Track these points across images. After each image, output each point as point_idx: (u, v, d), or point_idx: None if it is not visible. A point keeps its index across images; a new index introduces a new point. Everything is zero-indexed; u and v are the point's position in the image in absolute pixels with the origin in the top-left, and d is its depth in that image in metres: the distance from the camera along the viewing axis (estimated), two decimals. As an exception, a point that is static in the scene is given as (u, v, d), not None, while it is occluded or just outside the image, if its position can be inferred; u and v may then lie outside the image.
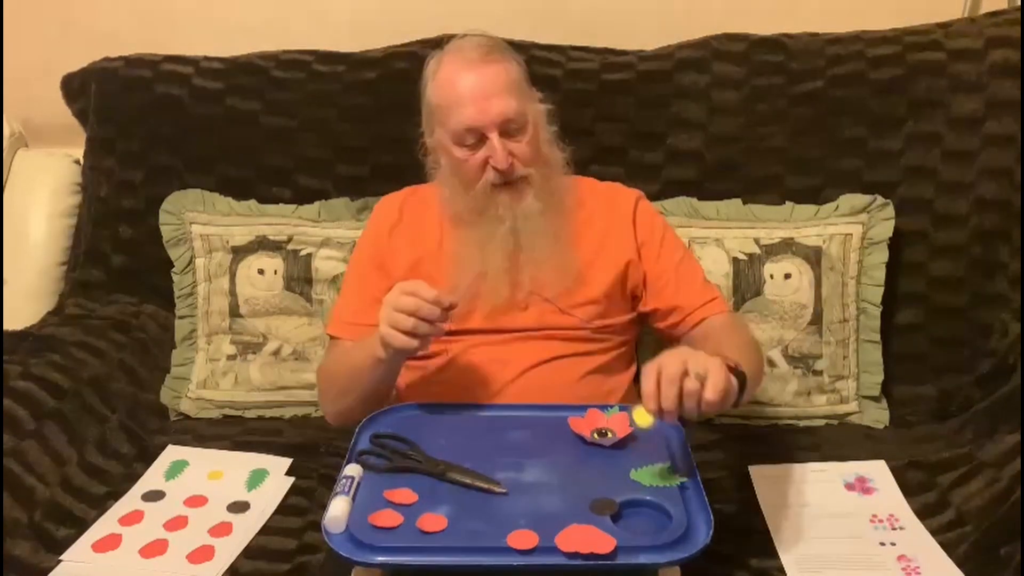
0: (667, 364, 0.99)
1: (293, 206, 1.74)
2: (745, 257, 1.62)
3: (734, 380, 1.05)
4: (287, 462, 1.46)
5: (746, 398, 1.11)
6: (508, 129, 1.28)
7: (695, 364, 0.99)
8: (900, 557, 1.20)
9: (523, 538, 0.95)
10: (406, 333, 1.13)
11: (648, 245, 1.40)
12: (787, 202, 1.67)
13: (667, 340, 1.42)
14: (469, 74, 1.28)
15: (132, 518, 1.32)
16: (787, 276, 1.61)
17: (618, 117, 1.72)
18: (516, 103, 1.29)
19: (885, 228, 1.61)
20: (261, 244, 1.70)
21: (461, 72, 1.29)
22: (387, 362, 1.22)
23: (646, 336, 1.57)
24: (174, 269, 1.73)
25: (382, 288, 1.36)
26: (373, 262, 1.42)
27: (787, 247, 1.62)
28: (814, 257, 1.61)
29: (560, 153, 1.39)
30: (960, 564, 1.18)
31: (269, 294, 1.68)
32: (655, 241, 1.40)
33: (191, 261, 1.72)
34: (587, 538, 0.94)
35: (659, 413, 1.00)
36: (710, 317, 1.35)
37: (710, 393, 0.98)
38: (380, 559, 0.94)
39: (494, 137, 1.27)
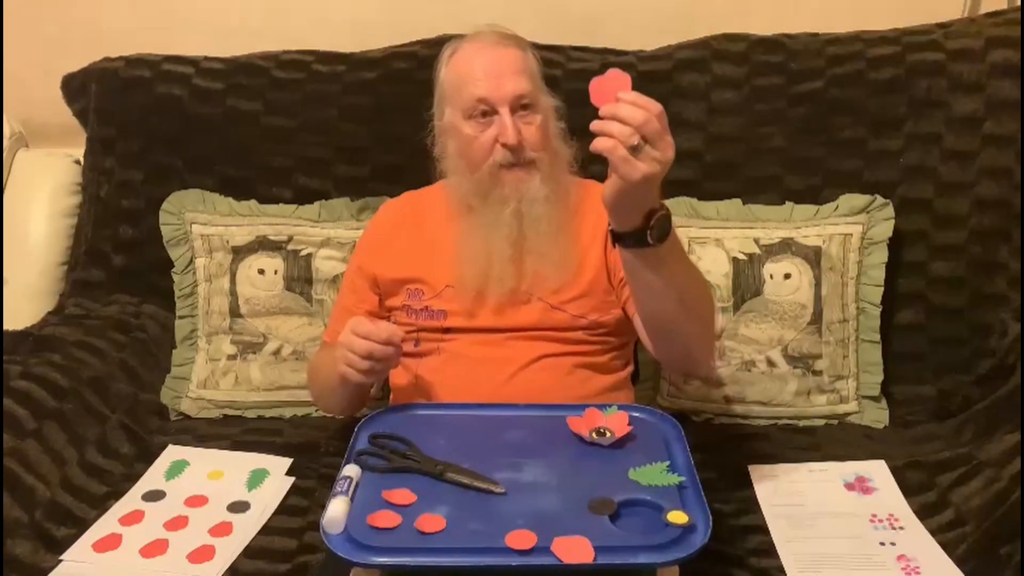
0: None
1: (293, 206, 1.74)
2: (745, 257, 1.62)
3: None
4: (287, 462, 1.46)
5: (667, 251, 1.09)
6: (519, 107, 1.30)
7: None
8: (900, 557, 1.20)
9: (522, 538, 0.95)
10: (362, 372, 1.21)
11: None
12: (787, 202, 1.67)
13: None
14: (485, 54, 1.32)
15: (132, 518, 1.32)
16: (787, 276, 1.61)
17: (618, 117, 1.72)
18: (529, 84, 1.31)
19: (885, 228, 1.61)
20: (261, 244, 1.70)
21: (478, 52, 1.32)
22: (353, 385, 1.28)
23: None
24: (174, 269, 1.73)
25: (367, 299, 1.44)
26: (361, 272, 1.45)
27: (787, 247, 1.62)
28: (814, 257, 1.61)
29: (568, 149, 1.39)
30: (960, 564, 1.17)
31: (269, 294, 1.68)
32: None
33: (191, 261, 1.72)
34: (574, 549, 0.94)
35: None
36: None
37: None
38: (379, 560, 0.94)
39: (504, 112, 1.29)
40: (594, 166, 1.67)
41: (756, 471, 1.39)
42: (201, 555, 1.24)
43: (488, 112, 1.30)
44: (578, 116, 1.54)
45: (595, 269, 1.36)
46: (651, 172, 1.00)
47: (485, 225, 1.33)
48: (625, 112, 1.01)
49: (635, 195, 1.03)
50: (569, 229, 1.36)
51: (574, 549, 0.93)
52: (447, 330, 1.36)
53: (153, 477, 1.43)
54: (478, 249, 1.33)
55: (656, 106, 1.01)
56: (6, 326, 1.71)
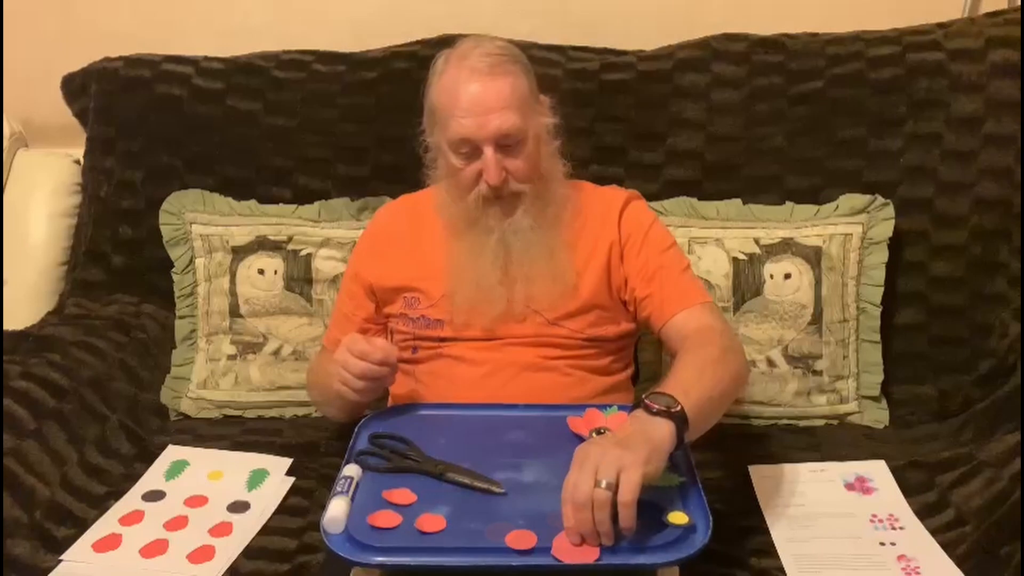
0: (576, 490, 0.93)
1: (293, 206, 1.74)
2: (745, 257, 1.62)
3: (669, 428, 1.02)
4: (287, 462, 1.46)
5: (695, 433, 1.07)
6: (505, 144, 1.27)
7: (605, 470, 0.93)
8: (900, 557, 1.20)
9: (522, 538, 0.95)
10: (357, 391, 1.22)
11: (631, 241, 1.38)
12: (787, 202, 1.67)
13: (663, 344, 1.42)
14: (472, 85, 1.26)
15: (132, 518, 1.32)
16: (787, 276, 1.61)
17: (618, 117, 1.72)
18: (516, 119, 1.27)
19: (885, 228, 1.61)
20: (261, 244, 1.70)
21: (465, 81, 1.26)
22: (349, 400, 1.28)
23: (646, 335, 1.57)
24: (174, 269, 1.73)
25: (363, 306, 1.44)
26: (357, 280, 1.45)
27: (787, 247, 1.62)
28: (814, 257, 1.61)
29: (561, 167, 1.38)
30: (960, 564, 1.17)
31: (269, 294, 1.68)
32: (639, 236, 1.38)
33: (191, 261, 1.72)
34: (575, 549, 0.94)
35: (583, 541, 0.94)
36: (684, 311, 1.31)
37: (624, 495, 0.92)
38: (379, 559, 0.94)
39: (489, 152, 1.26)
40: (593, 165, 1.69)
41: (756, 471, 1.39)
42: (201, 555, 1.24)
43: (473, 150, 1.28)
44: (578, 116, 1.55)
45: (594, 286, 1.35)
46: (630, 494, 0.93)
47: (472, 251, 1.33)
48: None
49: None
50: (563, 248, 1.35)
51: (575, 549, 0.93)
52: (443, 339, 1.36)
53: (153, 477, 1.42)
54: (467, 271, 1.33)
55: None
56: (6, 326, 1.70)
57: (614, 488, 0.92)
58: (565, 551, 0.93)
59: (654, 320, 1.35)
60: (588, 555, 0.93)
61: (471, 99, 1.26)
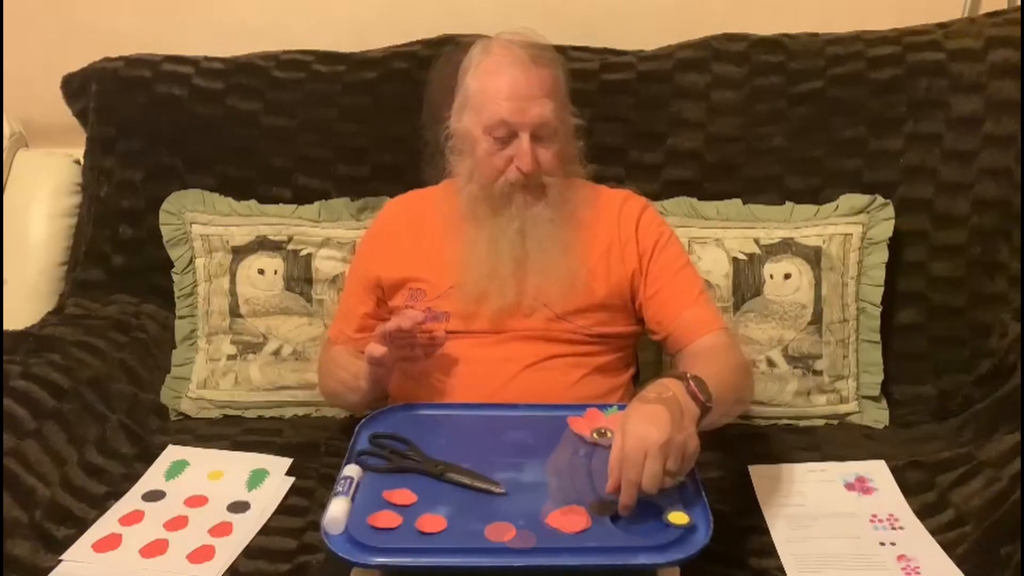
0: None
1: (293, 206, 1.74)
2: (745, 257, 1.62)
3: (693, 406, 1.04)
4: (287, 462, 1.46)
5: (713, 417, 1.09)
6: (540, 134, 1.29)
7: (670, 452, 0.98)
8: (900, 557, 1.20)
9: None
10: (381, 359, 1.26)
11: (630, 243, 1.39)
12: (787, 202, 1.67)
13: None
14: (515, 71, 1.29)
15: (132, 518, 1.32)
16: (787, 276, 1.61)
17: (618, 117, 1.72)
18: (555, 109, 1.30)
19: (885, 228, 1.61)
20: (261, 244, 1.70)
21: (509, 66, 1.30)
22: (368, 388, 1.31)
23: (646, 335, 1.57)
24: (174, 269, 1.73)
25: (365, 301, 1.44)
26: (358, 275, 1.46)
27: (787, 247, 1.62)
28: (814, 257, 1.61)
29: (582, 169, 1.40)
30: (960, 564, 1.17)
31: (269, 294, 1.68)
32: (635, 237, 1.39)
33: (191, 261, 1.72)
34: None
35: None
36: (686, 311, 1.34)
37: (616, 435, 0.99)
38: (379, 560, 0.94)
39: (524, 138, 1.28)
40: (593, 165, 1.68)
41: (756, 471, 1.39)
42: (201, 555, 1.24)
43: (508, 134, 1.29)
44: (577, 116, 1.54)
45: (605, 286, 1.36)
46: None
47: (489, 239, 1.34)
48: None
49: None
50: (577, 247, 1.35)
51: (565, 518, 0.96)
52: (452, 332, 1.35)
53: (153, 477, 1.42)
54: (482, 260, 1.33)
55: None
56: (6, 326, 1.70)
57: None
58: (555, 519, 0.96)
59: (656, 320, 1.36)
60: (577, 524, 0.95)
61: (514, 83, 1.28)
